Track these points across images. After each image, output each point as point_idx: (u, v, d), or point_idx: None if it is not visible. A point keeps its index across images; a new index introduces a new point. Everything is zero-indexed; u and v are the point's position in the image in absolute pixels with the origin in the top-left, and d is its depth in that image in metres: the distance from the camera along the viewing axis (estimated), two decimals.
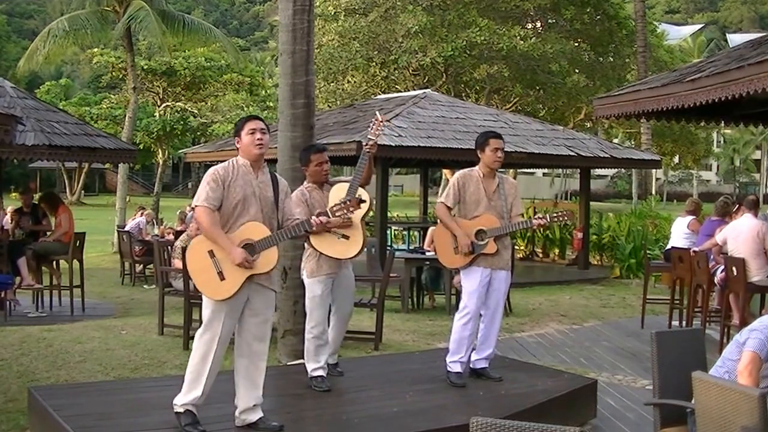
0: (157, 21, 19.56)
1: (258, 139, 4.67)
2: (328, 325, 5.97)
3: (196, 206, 4.62)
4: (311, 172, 5.87)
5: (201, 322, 4.74)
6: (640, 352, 8.35)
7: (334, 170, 6.68)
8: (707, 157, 54.50)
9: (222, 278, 4.52)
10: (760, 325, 3.87)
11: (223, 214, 4.61)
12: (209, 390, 4.63)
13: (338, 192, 5.68)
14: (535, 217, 6.01)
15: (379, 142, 12.75)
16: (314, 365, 5.73)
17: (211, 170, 4.69)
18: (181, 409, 4.62)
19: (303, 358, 6.18)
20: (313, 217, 4.83)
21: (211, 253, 4.54)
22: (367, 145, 5.71)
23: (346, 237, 5.64)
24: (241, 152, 4.74)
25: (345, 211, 4.89)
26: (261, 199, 4.68)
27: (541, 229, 17.49)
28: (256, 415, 4.72)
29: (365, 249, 5.85)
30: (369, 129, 5.76)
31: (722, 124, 10.68)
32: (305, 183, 5.92)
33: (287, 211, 4.82)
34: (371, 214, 5.75)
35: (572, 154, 14.89)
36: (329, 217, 4.86)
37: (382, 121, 5.75)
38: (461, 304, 6.02)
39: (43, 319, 9.85)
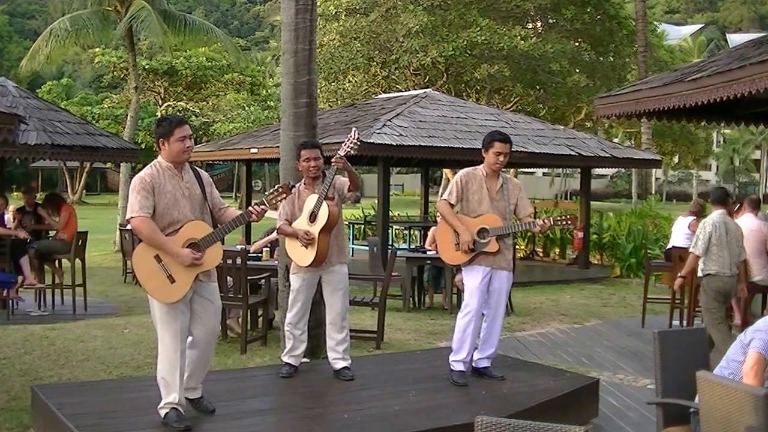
0: (158, 21, 19.57)
1: (188, 147, 4.73)
2: (326, 326, 6.13)
3: (132, 217, 4.60)
4: (301, 168, 6.08)
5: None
6: (641, 352, 8.37)
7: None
8: (707, 157, 54.53)
9: (172, 281, 4.60)
10: (764, 325, 3.87)
11: (158, 219, 4.64)
12: (184, 385, 4.75)
13: (309, 204, 5.90)
14: (540, 219, 5.96)
15: (380, 142, 12.84)
16: (286, 350, 6.11)
17: (136, 179, 4.68)
18: (167, 409, 4.70)
19: (305, 357, 6.28)
20: (252, 207, 4.84)
21: (158, 258, 4.61)
22: (334, 159, 5.76)
23: (306, 246, 5.91)
24: (167, 156, 4.73)
25: (279, 198, 4.92)
26: (191, 199, 4.75)
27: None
28: (195, 394, 4.90)
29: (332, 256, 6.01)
30: (343, 144, 5.80)
31: (723, 124, 10.69)
32: (302, 181, 6.09)
33: (216, 203, 4.90)
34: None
35: (573, 153, 14.90)
36: (266, 206, 4.87)
37: (355, 138, 5.80)
38: (463, 303, 6.04)
39: (45, 317, 9.87)
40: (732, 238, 7.52)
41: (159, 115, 31.25)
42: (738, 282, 7.60)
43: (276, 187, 4.93)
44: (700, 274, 7.63)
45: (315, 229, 5.82)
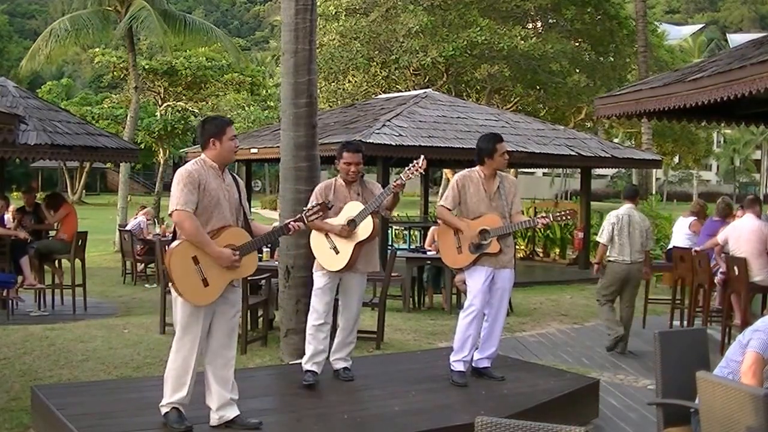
0: (158, 21, 19.57)
1: (237, 145, 4.68)
2: (334, 326, 6.00)
3: (175, 210, 4.47)
4: (339, 168, 5.89)
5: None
6: (641, 352, 8.37)
7: (335, 169, 6.63)
8: (707, 157, 54.51)
9: (206, 284, 4.51)
10: (762, 325, 3.86)
11: (199, 217, 4.53)
12: (193, 389, 4.66)
13: (349, 210, 5.71)
14: (539, 216, 6.01)
15: (380, 142, 12.83)
16: (310, 355, 5.81)
17: (183, 171, 4.56)
18: (168, 408, 4.64)
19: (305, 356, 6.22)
20: (291, 222, 4.82)
21: (195, 260, 4.49)
22: (395, 183, 5.62)
23: (336, 250, 5.71)
24: (215, 155, 4.63)
25: (318, 215, 4.92)
26: (230, 202, 4.66)
27: (542, 229, 17.50)
28: (233, 412, 4.72)
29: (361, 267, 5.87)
30: (407, 168, 5.67)
31: (723, 124, 10.68)
32: (339, 175, 5.95)
33: (245, 211, 4.83)
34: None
35: (573, 153, 14.90)
36: (304, 222, 4.86)
37: (422, 167, 5.64)
38: (466, 303, 6.03)
39: (45, 318, 9.87)
40: (635, 229, 8.30)
41: (158, 115, 31.30)
42: (643, 266, 8.48)
43: (314, 204, 4.94)
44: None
45: (354, 239, 5.67)
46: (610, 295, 8.56)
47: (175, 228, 4.66)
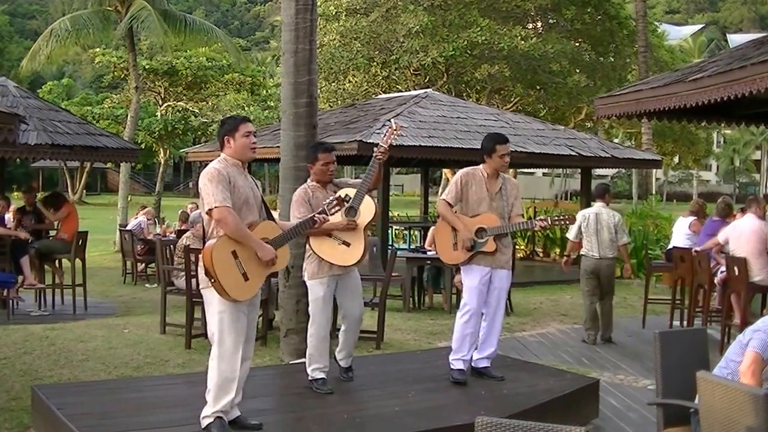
0: (158, 21, 19.59)
1: (253, 142, 4.67)
2: (337, 329, 5.95)
3: (215, 207, 4.39)
4: (316, 170, 5.72)
5: (207, 326, 4.64)
6: (641, 352, 8.37)
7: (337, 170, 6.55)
8: (707, 157, 54.54)
9: (246, 278, 4.48)
10: (763, 325, 3.86)
11: None
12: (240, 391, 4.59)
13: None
14: (538, 218, 6.00)
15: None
16: (315, 366, 5.66)
17: (212, 170, 4.52)
18: (212, 418, 4.50)
19: (305, 357, 6.17)
20: (316, 215, 4.83)
21: (234, 254, 4.45)
22: (378, 151, 5.54)
23: (347, 243, 5.51)
24: (232, 152, 4.63)
25: (337, 209, 4.91)
26: (256, 199, 4.67)
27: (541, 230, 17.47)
28: (233, 413, 4.67)
29: (367, 256, 5.72)
30: (382, 135, 5.60)
31: (723, 124, 10.68)
32: (308, 181, 5.81)
33: (267, 207, 4.85)
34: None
35: (573, 153, 14.89)
36: (327, 215, 4.86)
37: (396, 129, 5.56)
38: (462, 302, 6.04)
39: (45, 317, 9.88)
40: (603, 227, 8.74)
41: (159, 115, 31.34)
42: (624, 262, 9.16)
43: (332, 198, 4.95)
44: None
45: (360, 225, 5.48)
46: (588, 288, 8.87)
47: (204, 228, 4.62)
